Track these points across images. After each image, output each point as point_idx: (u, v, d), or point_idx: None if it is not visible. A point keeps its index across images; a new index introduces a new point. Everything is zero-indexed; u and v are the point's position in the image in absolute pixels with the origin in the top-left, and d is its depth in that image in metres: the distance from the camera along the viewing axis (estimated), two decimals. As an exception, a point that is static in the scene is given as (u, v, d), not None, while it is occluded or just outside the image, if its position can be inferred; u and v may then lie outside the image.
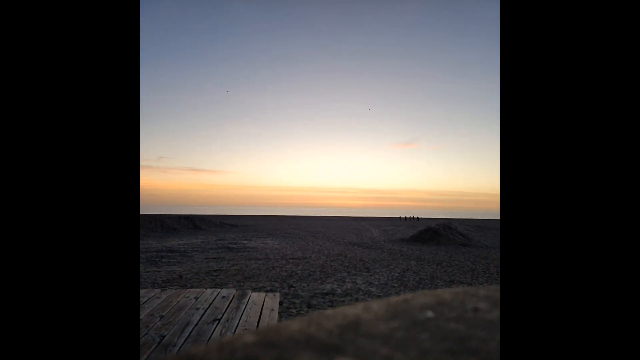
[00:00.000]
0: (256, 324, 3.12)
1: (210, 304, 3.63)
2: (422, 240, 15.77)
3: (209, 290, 4.24)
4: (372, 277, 7.69)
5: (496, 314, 0.37)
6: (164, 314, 3.26)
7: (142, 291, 4.07)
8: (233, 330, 2.93)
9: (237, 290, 4.33)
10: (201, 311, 3.37)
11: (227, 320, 3.15)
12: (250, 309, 3.50)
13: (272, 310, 3.51)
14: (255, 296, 3.99)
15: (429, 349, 0.30)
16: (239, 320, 3.16)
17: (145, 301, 3.66)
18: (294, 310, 5.02)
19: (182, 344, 2.59)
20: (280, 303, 4.50)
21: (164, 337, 2.71)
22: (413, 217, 44.04)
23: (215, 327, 2.97)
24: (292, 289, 6.44)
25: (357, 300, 5.80)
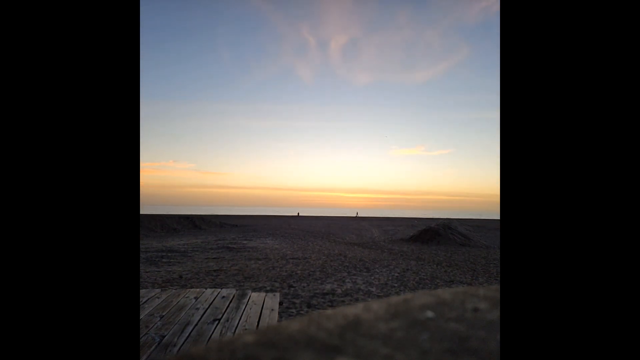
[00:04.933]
0: (256, 324, 3.12)
1: (210, 304, 3.63)
2: (422, 240, 15.76)
3: (209, 290, 4.23)
4: (372, 277, 7.69)
5: (496, 314, 0.37)
6: (164, 314, 3.26)
7: (142, 291, 4.07)
8: (233, 330, 2.93)
9: (237, 290, 4.33)
10: (201, 311, 3.37)
11: (227, 320, 3.15)
12: (250, 309, 3.50)
13: (272, 310, 3.51)
14: (255, 296, 3.99)
15: (429, 349, 0.30)
16: (239, 320, 3.16)
17: (145, 301, 3.66)
18: (294, 310, 5.02)
19: (182, 344, 2.59)
20: (280, 303, 4.50)
21: (164, 337, 2.71)
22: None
23: (215, 327, 2.97)
24: (292, 289, 6.44)
25: (357, 300, 5.80)
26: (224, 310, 3.44)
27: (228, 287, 6.11)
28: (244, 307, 3.55)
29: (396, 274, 8.13)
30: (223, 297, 3.91)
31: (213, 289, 4.33)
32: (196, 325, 3.00)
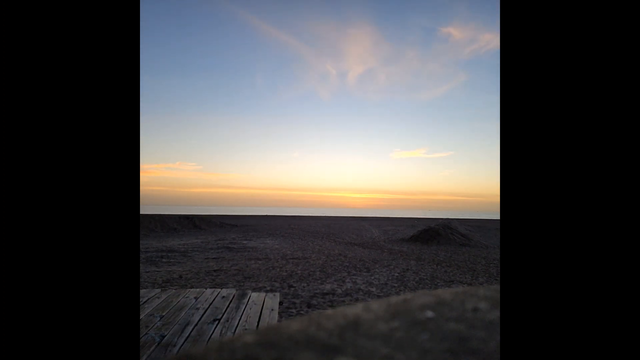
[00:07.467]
0: (256, 324, 3.12)
1: (210, 304, 3.63)
2: (422, 240, 15.75)
3: (209, 290, 4.24)
4: (372, 277, 7.69)
5: (496, 314, 0.37)
6: (164, 314, 3.26)
7: (142, 291, 4.07)
8: (233, 330, 2.93)
9: (237, 290, 4.33)
10: (201, 311, 3.37)
11: (227, 320, 3.15)
12: (250, 309, 3.50)
13: (272, 310, 3.51)
14: (255, 296, 3.99)
15: (429, 349, 0.30)
16: (239, 320, 3.16)
17: (145, 301, 3.66)
18: (294, 310, 5.02)
19: (182, 344, 2.59)
20: (280, 303, 4.50)
21: (164, 337, 2.71)
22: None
23: (215, 327, 2.97)
24: (292, 289, 6.44)
25: (357, 300, 5.80)
26: (224, 310, 3.44)
27: (228, 287, 6.11)
28: (244, 307, 3.55)
29: (396, 274, 8.12)
30: (223, 297, 3.92)
31: (213, 289, 4.33)
32: (196, 325, 3.00)
